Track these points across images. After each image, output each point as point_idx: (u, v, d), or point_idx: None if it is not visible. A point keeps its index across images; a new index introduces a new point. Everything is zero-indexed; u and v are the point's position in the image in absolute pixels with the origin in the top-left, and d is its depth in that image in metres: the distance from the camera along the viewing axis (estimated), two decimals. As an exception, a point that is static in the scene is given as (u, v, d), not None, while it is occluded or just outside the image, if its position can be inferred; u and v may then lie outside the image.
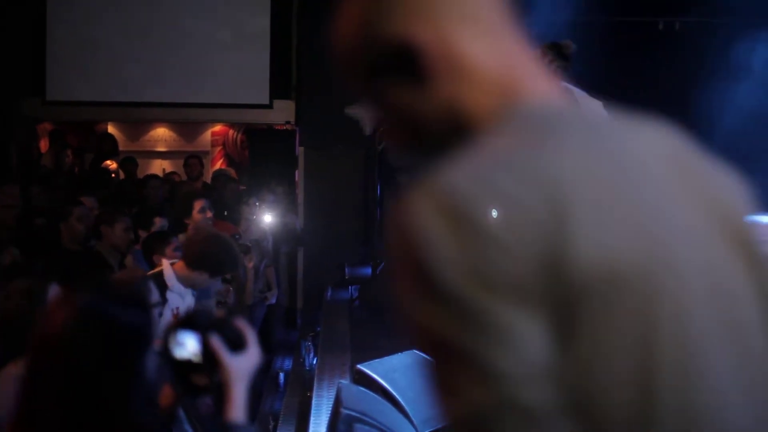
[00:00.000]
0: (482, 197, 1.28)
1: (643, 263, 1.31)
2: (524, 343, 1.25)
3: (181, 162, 13.28)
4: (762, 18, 9.65)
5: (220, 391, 2.40)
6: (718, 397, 1.33)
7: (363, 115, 11.99)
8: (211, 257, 5.82)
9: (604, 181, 1.34)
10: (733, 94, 9.17)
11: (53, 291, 3.78)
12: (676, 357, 1.30)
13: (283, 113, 12.51)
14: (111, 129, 16.09)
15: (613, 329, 1.28)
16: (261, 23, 12.36)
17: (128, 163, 13.54)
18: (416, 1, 1.49)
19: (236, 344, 2.42)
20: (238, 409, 2.42)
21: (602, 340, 1.27)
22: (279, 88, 12.42)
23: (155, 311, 3.30)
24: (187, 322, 2.41)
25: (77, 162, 13.20)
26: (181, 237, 6.92)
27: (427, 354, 1.31)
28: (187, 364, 2.38)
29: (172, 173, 13.18)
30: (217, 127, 16.34)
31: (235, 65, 12.35)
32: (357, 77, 1.58)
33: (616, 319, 1.28)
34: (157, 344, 2.42)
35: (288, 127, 12.78)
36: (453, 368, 1.27)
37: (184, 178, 12.31)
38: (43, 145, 13.83)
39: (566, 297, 1.26)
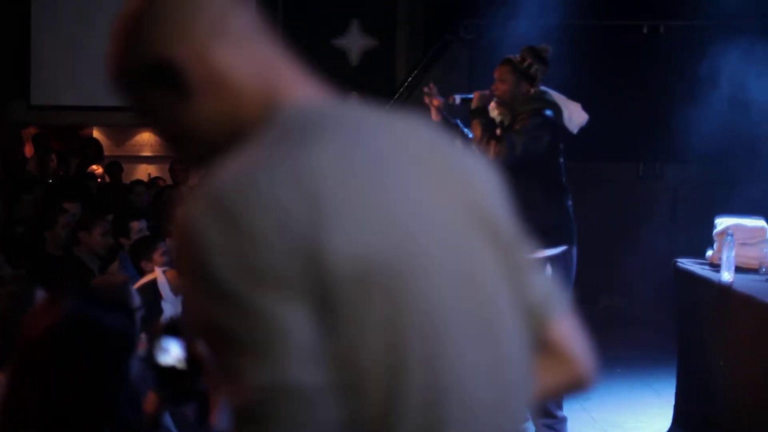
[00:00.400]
0: (246, 199, 1.40)
1: (392, 256, 1.44)
2: (292, 331, 1.37)
3: (167, 167, 13.24)
4: (743, 20, 9.67)
5: (204, 397, 2.39)
6: (461, 374, 1.47)
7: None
8: None
9: (358, 179, 1.46)
10: (716, 96, 9.19)
11: (39, 296, 3.77)
12: (422, 341, 1.44)
13: (268, 117, 12.49)
14: (96, 133, 16.04)
15: (367, 317, 1.40)
16: (246, 27, 12.35)
17: (113, 167, 13.50)
18: (172, 21, 1.59)
19: None
20: (222, 415, 2.41)
21: (358, 327, 1.40)
22: (265, 92, 12.41)
23: (137, 315, 3.29)
24: (172, 328, 2.40)
25: (62, 167, 13.12)
26: (169, 242, 6.89)
27: (208, 345, 1.44)
28: (171, 370, 2.37)
29: (158, 178, 13.14)
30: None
31: (220, 69, 12.34)
32: (128, 93, 1.68)
33: (369, 308, 1.41)
34: (141, 349, 2.41)
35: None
36: (231, 356, 1.38)
37: (170, 182, 12.27)
38: (28, 149, 13.77)
39: (325, 288, 1.39)
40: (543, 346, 1.74)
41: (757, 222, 6.23)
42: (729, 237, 5.72)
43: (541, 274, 1.74)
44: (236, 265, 1.37)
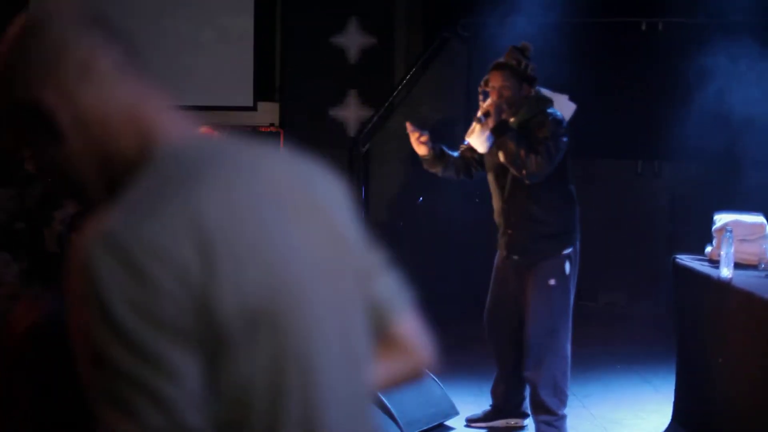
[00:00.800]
0: (141, 246, 1.43)
1: (274, 300, 1.51)
2: (185, 374, 1.42)
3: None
4: (743, 18, 9.67)
5: None
6: (330, 398, 1.58)
7: (347, 116, 11.98)
8: None
9: (242, 223, 1.52)
10: (715, 94, 9.19)
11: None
12: (299, 373, 1.53)
13: (267, 115, 12.47)
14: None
15: (254, 360, 1.48)
16: (244, 24, 12.32)
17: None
18: (39, 63, 1.60)
19: None
20: None
21: (247, 369, 1.48)
22: (263, 90, 12.39)
23: None
24: None
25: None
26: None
27: (102, 382, 1.44)
28: None
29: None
30: (201, 130, 16.31)
31: (218, 67, 12.31)
32: (4, 131, 1.67)
33: (256, 351, 1.49)
34: None
35: (272, 129, 12.75)
36: (128, 395, 1.41)
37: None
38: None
39: (217, 336, 1.45)
40: (386, 340, 1.87)
41: (756, 218, 6.23)
42: (728, 233, 5.71)
43: (388, 277, 1.95)
44: (136, 310, 1.40)
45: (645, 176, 11.26)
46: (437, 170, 6.46)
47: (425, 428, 6.29)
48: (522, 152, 5.85)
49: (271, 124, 12.51)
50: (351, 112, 11.97)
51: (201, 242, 1.45)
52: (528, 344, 6.10)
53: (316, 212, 1.68)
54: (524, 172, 5.89)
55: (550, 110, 6.03)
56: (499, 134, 5.97)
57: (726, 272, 5.65)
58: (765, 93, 8.69)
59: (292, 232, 1.59)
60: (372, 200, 11.49)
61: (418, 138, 6.35)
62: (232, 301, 1.45)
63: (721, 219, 6.27)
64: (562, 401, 6.07)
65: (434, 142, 6.40)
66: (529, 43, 6.22)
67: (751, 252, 6.07)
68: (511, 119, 6.07)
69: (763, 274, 5.89)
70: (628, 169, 11.27)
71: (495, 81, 6.09)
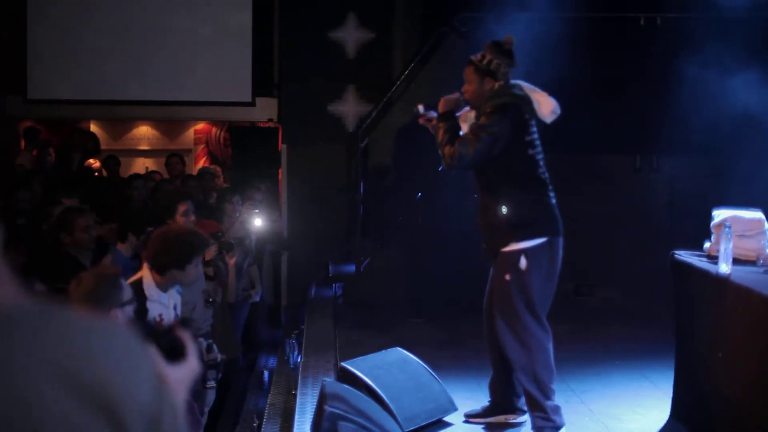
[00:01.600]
0: None
1: None
2: None
3: (164, 160, 13.25)
4: (741, 12, 9.67)
5: None
6: None
7: (345, 111, 11.98)
8: (170, 253, 5.79)
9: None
10: (713, 89, 9.19)
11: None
12: None
13: (265, 111, 12.50)
14: (93, 127, 16.03)
15: None
16: (243, 20, 12.33)
17: (111, 161, 13.50)
18: None
19: (174, 354, 2.42)
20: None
21: None
22: (262, 85, 12.40)
23: (126, 309, 3.28)
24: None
25: (59, 161, 13.12)
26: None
27: None
28: None
29: (154, 172, 13.14)
30: (200, 125, 16.31)
31: (217, 62, 12.32)
32: None
33: None
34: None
35: (271, 124, 12.76)
36: None
37: (166, 176, 12.26)
38: (24, 144, 13.77)
39: None
40: None
41: (754, 214, 6.22)
42: (726, 229, 5.71)
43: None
44: None
45: (643, 171, 11.27)
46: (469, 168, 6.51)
47: (424, 424, 6.29)
48: (443, 141, 6.10)
49: (270, 120, 12.52)
50: (349, 107, 11.98)
51: None
52: (501, 341, 6.14)
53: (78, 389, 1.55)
54: (444, 161, 6.14)
55: (500, 105, 6.10)
56: (438, 121, 6.23)
57: (724, 268, 5.64)
58: (763, 88, 8.68)
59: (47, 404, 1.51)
60: (370, 195, 11.49)
61: (428, 120, 6.39)
62: None
63: (719, 214, 6.26)
64: (546, 394, 6.03)
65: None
66: (511, 36, 6.30)
67: (749, 248, 6.06)
68: (472, 112, 6.26)
69: (761, 269, 5.89)
70: (626, 165, 11.27)
71: (464, 73, 6.29)
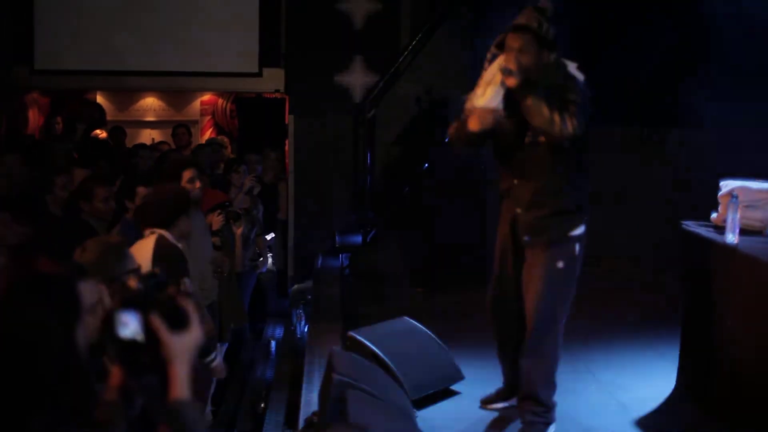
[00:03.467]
0: None
1: None
2: None
3: (170, 131, 13.25)
4: None
5: (163, 369, 2.42)
6: None
7: (352, 82, 11.95)
8: (168, 204, 5.87)
9: None
10: (721, 60, 9.18)
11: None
12: None
13: (272, 81, 12.46)
14: (99, 98, 16.04)
15: None
16: (250, -9, 12.29)
17: (117, 132, 13.51)
18: None
19: (178, 323, 2.44)
20: (180, 387, 2.43)
21: None
22: (268, 56, 12.36)
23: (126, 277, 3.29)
24: (130, 301, 2.43)
25: (65, 132, 13.13)
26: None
27: None
28: (131, 343, 2.40)
29: (161, 143, 13.14)
30: (207, 96, 16.30)
31: (224, 33, 12.29)
32: None
33: None
34: (90, 323, 2.45)
35: (278, 95, 12.74)
36: None
37: (173, 146, 12.27)
38: (32, 115, 13.77)
39: None
40: None
41: (761, 185, 6.22)
42: (734, 199, 5.72)
43: None
44: None
45: (649, 142, 11.25)
46: (476, 145, 6.11)
47: (431, 392, 6.32)
48: (555, 112, 5.45)
49: (277, 90, 12.50)
50: (356, 78, 11.95)
51: None
52: (530, 330, 5.78)
53: None
54: (561, 132, 5.46)
55: (573, 73, 5.68)
56: (524, 94, 5.56)
57: (731, 238, 5.66)
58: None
59: None
60: (377, 166, 11.49)
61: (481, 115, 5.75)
62: None
63: (727, 185, 6.26)
64: (553, 392, 5.87)
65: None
66: (549, 2, 5.73)
67: (756, 218, 6.07)
68: (497, 76, 5.67)
69: (768, 239, 5.90)
70: (633, 135, 11.25)
71: (514, 42, 5.63)
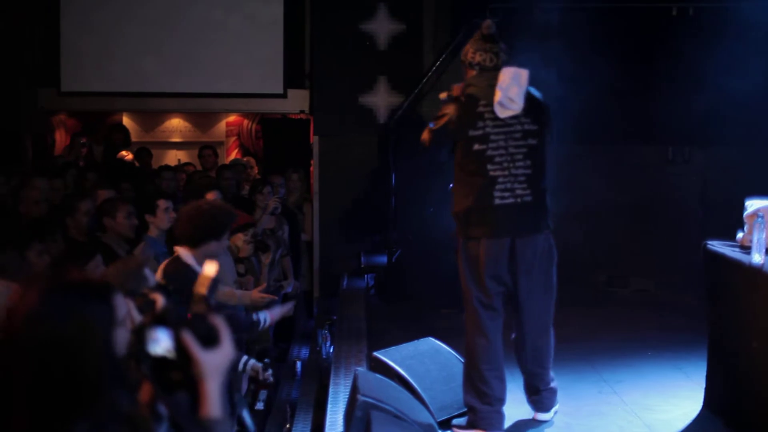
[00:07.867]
0: None
1: None
2: None
3: (196, 152, 13.30)
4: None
5: (194, 386, 2.42)
6: None
7: (376, 102, 11.98)
8: (205, 225, 5.86)
9: None
10: (745, 79, 9.14)
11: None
12: None
13: (297, 102, 12.51)
14: (125, 120, 16.13)
15: None
16: (274, 12, 12.35)
17: (143, 153, 13.57)
18: None
19: (209, 340, 2.44)
20: (212, 404, 2.43)
21: None
22: (293, 77, 12.42)
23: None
24: (161, 318, 2.44)
25: (90, 154, 13.21)
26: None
27: None
28: (162, 360, 2.41)
29: (187, 164, 13.20)
30: (232, 117, 16.37)
31: (249, 54, 12.35)
32: None
33: None
34: (122, 335, 2.45)
35: (302, 116, 12.79)
36: None
37: (199, 168, 12.32)
38: (58, 136, 13.86)
39: None
40: None
41: (788, 204, 6.18)
42: (760, 219, 5.69)
43: None
44: None
45: (676, 162, 11.23)
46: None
47: (456, 414, 6.31)
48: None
49: (302, 111, 12.54)
50: (381, 99, 11.98)
51: None
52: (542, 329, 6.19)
53: None
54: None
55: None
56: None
57: (757, 258, 5.62)
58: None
59: None
60: (402, 185, 11.49)
61: None
62: None
63: (752, 204, 6.23)
64: (545, 380, 6.23)
65: None
66: (488, 20, 6.58)
67: (782, 238, 6.03)
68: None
69: (795, 259, 5.86)
70: (659, 156, 11.23)
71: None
